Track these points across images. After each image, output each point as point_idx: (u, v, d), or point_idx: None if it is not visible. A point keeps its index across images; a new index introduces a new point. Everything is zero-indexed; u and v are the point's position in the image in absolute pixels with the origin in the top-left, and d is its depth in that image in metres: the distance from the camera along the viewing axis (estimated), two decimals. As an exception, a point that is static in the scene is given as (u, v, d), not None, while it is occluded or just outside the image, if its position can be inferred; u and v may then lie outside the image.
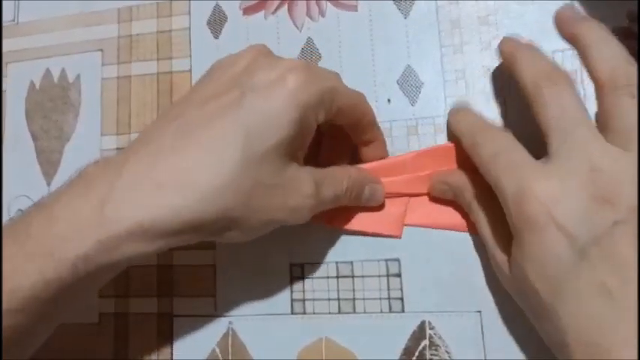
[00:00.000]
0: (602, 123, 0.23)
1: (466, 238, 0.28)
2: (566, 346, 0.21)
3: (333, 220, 0.29)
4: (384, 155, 0.29)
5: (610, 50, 0.23)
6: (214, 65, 0.26)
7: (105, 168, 0.23)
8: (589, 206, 0.20)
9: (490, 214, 0.26)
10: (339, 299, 0.29)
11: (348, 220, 0.29)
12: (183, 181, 0.21)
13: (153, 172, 0.22)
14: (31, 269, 0.21)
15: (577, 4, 0.30)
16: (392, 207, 0.29)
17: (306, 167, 0.25)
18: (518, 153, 0.23)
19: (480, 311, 0.28)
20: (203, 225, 0.22)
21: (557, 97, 0.23)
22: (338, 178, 0.26)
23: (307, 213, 0.25)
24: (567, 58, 0.29)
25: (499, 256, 0.25)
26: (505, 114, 0.29)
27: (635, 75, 0.22)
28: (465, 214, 0.28)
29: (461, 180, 0.27)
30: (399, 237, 0.29)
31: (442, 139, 0.30)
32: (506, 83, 0.29)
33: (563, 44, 0.29)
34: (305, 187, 0.24)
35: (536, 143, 0.23)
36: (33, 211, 0.23)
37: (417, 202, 0.29)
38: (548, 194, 0.21)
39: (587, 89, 0.29)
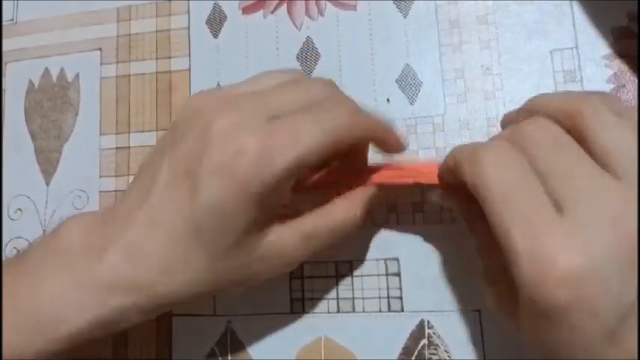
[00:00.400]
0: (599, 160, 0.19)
1: (466, 236, 0.28)
2: None
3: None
4: (397, 144, 0.26)
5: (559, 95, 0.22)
6: (183, 108, 0.24)
7: (86, 252, 0.23)
8: (619, 276, 0.17)
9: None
10: (338, 298, 0.29)
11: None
12: (162, 274, 0.22)
13: (132, 263, 0.22)
14: (25, 345, 0.22)
15: (577, 4, 0.30)
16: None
17: (293, 223, 0.23)
18: (532, 195, 0.19)
19: (479, 310, 0.28)
20: (192, 299, 0.23)
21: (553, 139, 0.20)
22: (339, 220, 0.24)
23: (299, 262, 0.25)
24: (566, 58, 0.29)
25: (501, 304, 0.21)
26: (504, 112, 0.29)
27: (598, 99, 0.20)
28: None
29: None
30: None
31: (441, 138, 0.30)
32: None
33: (561, 44, 0.30)
34: (289, 250, 0.23)
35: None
36: (15, 277, 0.23)
37: None
38: (572, 269, 0.17)
39: (585, 88, 0.29)
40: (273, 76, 0.25)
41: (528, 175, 0.19)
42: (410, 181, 0.26)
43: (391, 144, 0.25)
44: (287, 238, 0.23)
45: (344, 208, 0.25)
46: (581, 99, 0.20)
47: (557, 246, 0.17)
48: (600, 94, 0.21)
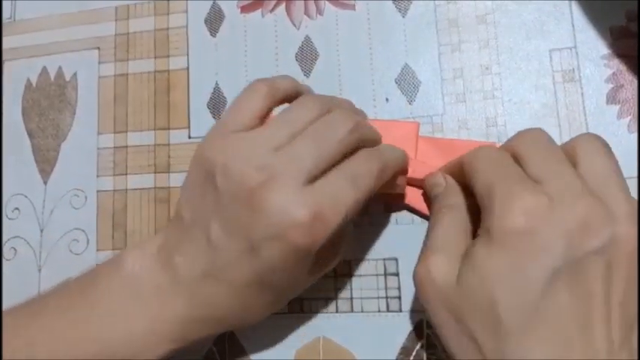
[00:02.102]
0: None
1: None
2: None
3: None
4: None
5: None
6: (217, 164, 0.24)
7: (160, 302, 0.25)
8: (576, 228, 0.20)
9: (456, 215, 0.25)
10: (336, 298, 0.29)
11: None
12: (224, 320, 0.26)
13: (195, 310, 0.25)
14: None
15: (575, 4, 0.30)
16: None
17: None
18: (515, 169, 0.23)
19: (477, 310, 0.27)
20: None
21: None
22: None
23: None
24: (564, 57, 0.29)
25: (444, 262, 0.23)
26: (503, 112, 0.29)
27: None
28: None
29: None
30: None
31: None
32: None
33: (560, 43, 0.29)
34: (333, 263, 0.27)
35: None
36: (99, 314, 0.25)
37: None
38: (541, 206, 0.20)
39: (584, 88, 0.29)
40: (301, 115, 0.25)
41: (510, 160, 0.23)
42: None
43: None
44: (330, 258, 0.27)
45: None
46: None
47: (527, 190, 0.21)
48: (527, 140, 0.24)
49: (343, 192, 0.23)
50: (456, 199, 0.26)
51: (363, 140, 0.25)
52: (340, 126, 0.24)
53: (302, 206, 0.22)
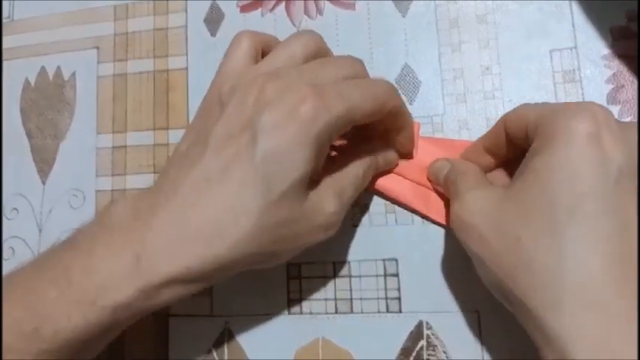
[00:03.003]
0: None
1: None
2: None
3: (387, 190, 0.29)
4: (413, 139, 0.28)
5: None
6: (224, 90, 0.25)
7: (134, 220, 0.23)
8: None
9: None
10: (336, 299, 0.29)
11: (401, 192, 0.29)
12: (211, 232, 0.22)
13: (181, 226, 0.22)
14: (75, 314, 0.22)
15: (576, 4, 0.30)
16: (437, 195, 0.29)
17: (324, 182, 0.25)
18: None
19: (477, 311, 0.27)
20: (236, 266, 0.23)
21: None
22: (354, 174, 0.26)
23: (338, 224, 0.25)
24: (565, 58, 0.29)
25: (478, 194, 0.24)
26: (503, 112, 0.29)
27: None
28: None
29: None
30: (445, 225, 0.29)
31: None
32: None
33: (560, 44, 0.29)
34: (329, 206, 0.24)
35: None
36: (67, 255, 0.23)
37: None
38: (604, 115, 0.21)
39: (585, 89, 0.29)
40: (302, 44, 0.25)
41: None
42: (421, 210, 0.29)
43: (407, 138, 0.28)
44: (325, 197, 0.24)
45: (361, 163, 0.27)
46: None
47: (591, 104, 0.21)
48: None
49: (351, 91, 0.23)
50: (465, 167, 0.26)
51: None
52: (342, 64, 0.25)
53: (309, 86, 0.22)
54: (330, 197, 0.24)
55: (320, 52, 0.26)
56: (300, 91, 0.22)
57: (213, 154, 0.23)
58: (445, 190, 0.27)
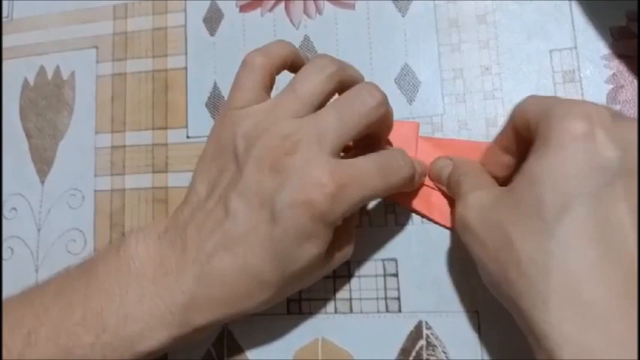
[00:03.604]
0: None
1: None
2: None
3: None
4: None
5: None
6: (238, 142, 0.24)
7: (164, 275, 0.24)
8: (630, 145, 0.20)
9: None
10: (335, 299, 0.29)
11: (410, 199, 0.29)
12: (236, 297, 0.24)
13: (208, 289, 0.24)
14: (111, 358, 0.24)
15: (576, 4, 0.30)
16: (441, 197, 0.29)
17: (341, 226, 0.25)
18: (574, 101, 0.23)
19: (477, 311, 0.27)
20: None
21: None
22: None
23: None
24: (565, 58, 0.29)
25: (481, 194, 0.24)
26: (503, 112, 0.29)
27: None
28: None
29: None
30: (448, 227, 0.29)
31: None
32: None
33: (560, 44, 0.29)
34: (347, 252, 0.27)
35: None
36: (96, 297, 0.24)
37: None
38: (598, 113, 0.20)
39: (584, 88, 0.29)
40: (324, 79, 0.24)
41: None
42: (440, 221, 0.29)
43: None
44: (344, 246, 0.26)
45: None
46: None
47: (588, 103, 0.21)
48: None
49: (369, 174, 0.23)
50: (468, 167, 0.26)
51: (387, 116, 0.25)
52: (367, 98, 0.24)
53: (327, 172, 0.22)
54: (347, 244, 0.26)
55: (343, 81, 0.25)
56: (320, 173, 0.22)
57: (233, 224, 0.23)
58: (449, 190, 0.27)
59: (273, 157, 0.23)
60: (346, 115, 0.23)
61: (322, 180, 0.22)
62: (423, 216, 0.29)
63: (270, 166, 0.23)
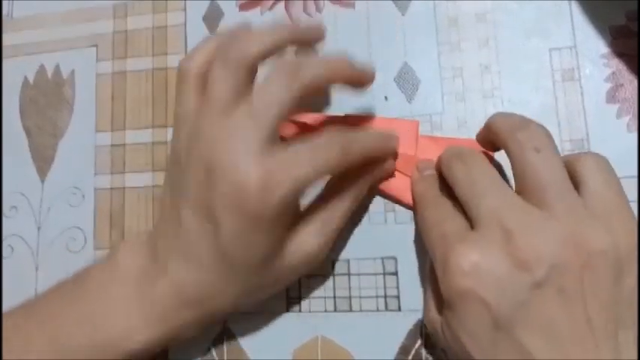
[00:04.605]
0: (517, 184, 0.23)
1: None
2: None
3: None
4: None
5: (505, 116, 0.25)
6: (180, 146, 0.25)
7: (141, 284, 0.26)
8: (508, 273, 0.20)
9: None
10: (334, 297, 0.29)
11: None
12: (204, 298, 0.25)
13: (180, 293, 0.25)
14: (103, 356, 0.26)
15: (575, 3, 0.30)
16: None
17: (305, 221, 0.26)
18: (451, 223, 0.23)
19: (476, 310, 0.27)
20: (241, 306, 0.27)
21: (466, 173, 0.23)
22: (340, 208, 0.26)
23: (321, 258, 0.27)
24: (564, 57, 0.29)
25: (433, 315, 0.25)
26: (502, 111, 0.29)
27: (537, 129, 0.23)
28: None
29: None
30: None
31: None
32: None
33: (560, 42, 0.29)
34: (309, 247, 0.26)
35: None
36: (82, 301, 0.26)
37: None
38: (470, 266, 0.20)
39: (583, 87, 0.29)
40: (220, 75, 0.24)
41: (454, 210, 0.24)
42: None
43: (359, 79, 0.27)
44: (305, 240, 0.26)
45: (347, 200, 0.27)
46: (509, 137, 0.23)
47: (460, 250, 0.21)
48: (526, 130, 0.23)
49: (298, 161, 0.23)
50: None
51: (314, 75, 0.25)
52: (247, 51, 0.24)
53: (252, 169, 0.22)
54: (310, 237, 0.26)
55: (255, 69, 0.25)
56: (245, 172, 0.22)
57: (186, 233, 0.25)
58: None
59: (206, 159, 0.23)
60: (262, 100, 0.24)
61: (248, 180, 0.22)
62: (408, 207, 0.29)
63: (204, 170, 0.23)
